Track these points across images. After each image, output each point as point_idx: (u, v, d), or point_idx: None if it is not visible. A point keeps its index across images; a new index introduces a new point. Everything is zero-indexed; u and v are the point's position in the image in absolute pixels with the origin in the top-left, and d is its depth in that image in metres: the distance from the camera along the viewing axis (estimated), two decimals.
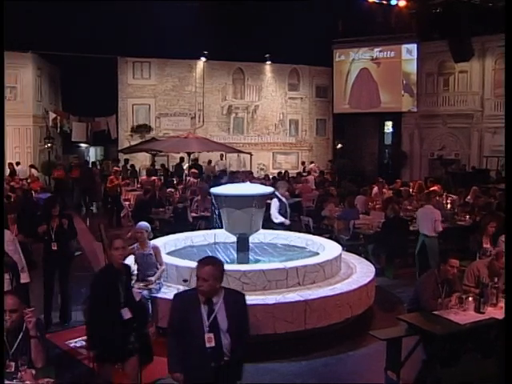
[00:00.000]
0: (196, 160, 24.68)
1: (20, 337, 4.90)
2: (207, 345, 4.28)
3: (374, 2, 24.85)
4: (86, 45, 23.02)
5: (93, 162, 26.43)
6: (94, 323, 5.51)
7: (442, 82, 26.74)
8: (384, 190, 17.02)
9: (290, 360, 7.27)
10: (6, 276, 6.87)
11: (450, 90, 26.46)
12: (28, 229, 8.92)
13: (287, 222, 11.42)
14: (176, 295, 4.70)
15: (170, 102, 27.65)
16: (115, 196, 18.38)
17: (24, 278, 7.57)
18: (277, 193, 11.33)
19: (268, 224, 11.23)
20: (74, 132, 26.45)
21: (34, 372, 4.70)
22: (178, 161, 24.94)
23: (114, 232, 5.82)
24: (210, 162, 25.16)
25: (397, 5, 24.67)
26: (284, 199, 11.44)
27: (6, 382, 4.26)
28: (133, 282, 8.08)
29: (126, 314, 5.50)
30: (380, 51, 27.67)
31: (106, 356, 5.48)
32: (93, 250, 10.48)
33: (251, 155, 24.76)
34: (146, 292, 7.85)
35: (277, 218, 11.17)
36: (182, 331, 4.38)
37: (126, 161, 24.34)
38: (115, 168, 21.72)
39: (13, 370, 4.56)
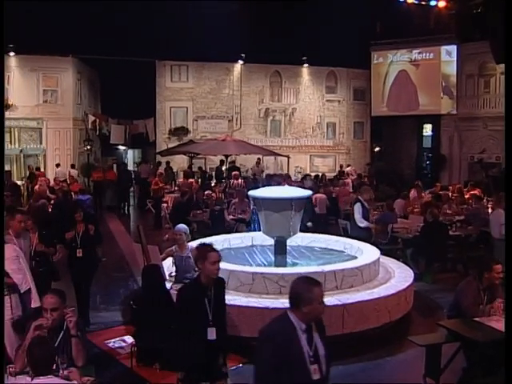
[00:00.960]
0: (233, 162, 24.79)
1: (61, 335, 5.00)
2: (314, 377, 3.84)
3: (413, 3, 24.57)
4: (124, 48, 23.31)
5: (123, 163, 26.69)
6: (179, 342, 5.09)
7: (483, 84, 26.22)
8: (422, 193, 16.84)
9: None
10: (7, 300, 6.60)
11: (490, 92, 25.94)
12: (50, 237, 8.46)
13: (372, 225, 11.45)
14: (267, 328, 4.01)
15: (208, 104, 27.77)
16: (158, 198, 18.47)
17: (34, 302, 6.80)
18: (360, 197, 11.38)
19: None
20: (113, 134, 26.74)
21: (74, 370, 4.78)
22: (215, 163, 25.12)
23: (207, 243, 5.29)
24: (257, 163, 25.17)
25: (436, 5, 24.35)
26: (366, 204, 11.40)
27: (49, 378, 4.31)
28: (171, 283, 8.19)
29: (212, 334, 5.05)
30: (419, 53, 27.31)
31: (194, 378, 5.08)
32: (131, 252, 10.57)
33: (288, 158, 24.71)
34: None
35: (362, 222, 11.08)
36: (279, 367, 3.80)
37: (168, 163, 24.59)
38: (159, 171, 21.95)
39: (54, 367, 4.63)
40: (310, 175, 22.23)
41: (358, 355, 7.46)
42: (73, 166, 23.99)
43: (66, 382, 4.32)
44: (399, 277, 9.10)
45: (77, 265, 8.68)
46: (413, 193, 16.51)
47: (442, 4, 24.10)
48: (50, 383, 4.18)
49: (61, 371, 4.63)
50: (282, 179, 18.64)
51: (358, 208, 11.18)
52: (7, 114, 23.94)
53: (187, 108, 27.61)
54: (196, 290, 5.11)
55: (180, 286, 8.01)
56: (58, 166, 23.68)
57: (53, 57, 24.26)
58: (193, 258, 5.40)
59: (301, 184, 18.47)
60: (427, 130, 29.68)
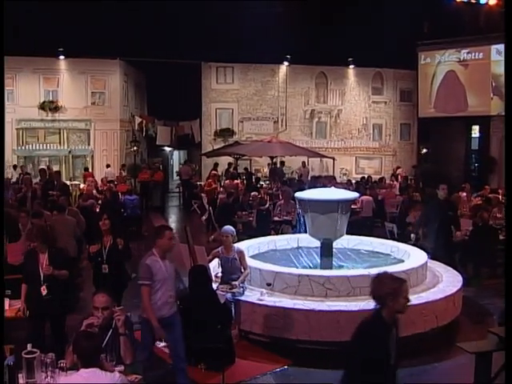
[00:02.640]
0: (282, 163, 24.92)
1: (109, 334, 5.07)
2: None
3: (462, 2, 24.10)
4: (170, 51, 23.57)
5: (156, 164, 26.99)
6: None
7: None
8: (471, 197, 16.51)
9: None
10: None
11: None
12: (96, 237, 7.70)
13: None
14: None
15: (253, 106, 27.83)
16: (212, 200, 18.57)
17: None
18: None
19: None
20: (159, 136, 27.09)
21: (122, 368, 4.84)
22: (260, 165, 25.24)
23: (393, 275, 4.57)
24: (303, 164, 25.15)
25: (486, 3, 23.81)
26: None
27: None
28: (217, 284, 8.22)
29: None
30: (467, 53, 26.77)
31: None
32: (178, 252, 10.64)
33: (334, 160, 24.57)
34: (229, 295, 7.93)
35: None
36: None
37: (230, 165, 24.76)
38: (213, 172, 22.16)
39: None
40: (351, 181, 22.02)
41: (405, 360, 7.31)
42: (123, 167, 24.36)
43: (109, 373, 4.36)
44: (447, 281, 8.93)
45: (103, 283, 7.58)
46: (463, 196, 16.15)
47: (492, 2, 23.55)
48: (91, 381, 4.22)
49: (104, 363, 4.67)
50: (328, 181, 18.54)
51: None
52: (56, 115, 24.55)
53: (233, 109, 27.73)
54: (381, 328, 4.39)
55: (224, 286, 8.07)
56: (108, 166, 24.09)
57: (101, 59, 24.69)
58: (379, 292, 4.40)
59: (346, 186, 18.37)
60: (476, 131, 29.06)
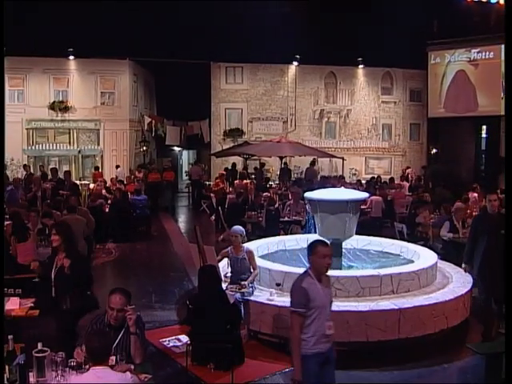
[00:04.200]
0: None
1: (121, 333, 5.07)
2: None
3: (472, 1, 23.96)
4: (180, 51, 23.62)
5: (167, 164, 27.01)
6: None
7: None
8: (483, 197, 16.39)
9: (381, 369, 7.12)
10: None
11: None
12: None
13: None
14: None
15: (262, 106, 27.82)
16: (220, 199, 18.59)
17: None
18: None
19: None
20: (168, 136, 27.10)
21: (132, 367, 4.84)
22: (270, 165, 25.24)
23: None
24: (312, 164, 25.11)
25: (497, 2, 23.66)
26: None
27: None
28: (226, 284, 8.23)
29: None
30: (478, 52, 26.63)
31: None
32: (187, 252, 10.66)
33: (343, 160, 24.52)
34: (238, 295, 7.92)
35: (445, 235, 11.39)
36: None
37: (262, 164, 25.01)
38: (220, 171, 22.19)
39: (114, 363, 4.67)
40: (361, 181, 21.97)
41: (414, 361, 7.32)
42: (139, 167, 24.40)
43: (120, 373, 4.36)
44: (457, 282, 8.88)
45: (51, 308, 6.43)
46: (473, 196, 16.04)
47: (503, 0, 23.39)
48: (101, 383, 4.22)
49: (117, 366, 4.69)
50: (337, 181, 18.51)
51: (446, 225, 11.40)
52: (66, 115, 24.65)
53: (242, 109, 27.74)
54: None
55: (233, 286, 8.07)
56: (117, 167, 24.17)
57: (110, 60, 24.76)
58: None
59: (356, 186, 18.33)
60: (485, 131, 28.92)
